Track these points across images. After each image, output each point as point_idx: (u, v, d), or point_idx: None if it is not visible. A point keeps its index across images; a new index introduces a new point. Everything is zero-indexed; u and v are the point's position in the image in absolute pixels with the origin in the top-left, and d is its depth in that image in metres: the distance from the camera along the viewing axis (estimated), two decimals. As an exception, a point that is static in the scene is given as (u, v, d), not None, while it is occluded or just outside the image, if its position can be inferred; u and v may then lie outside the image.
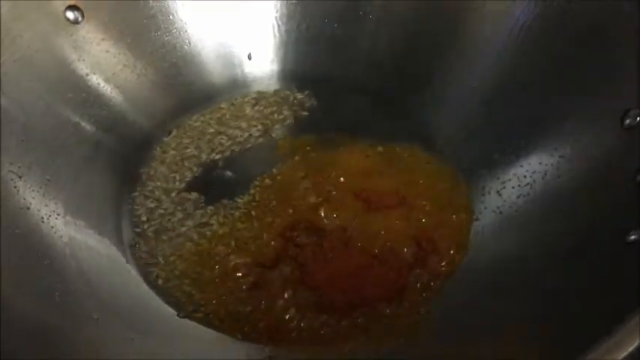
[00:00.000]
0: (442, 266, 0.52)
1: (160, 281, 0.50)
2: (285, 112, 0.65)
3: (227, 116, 0.64)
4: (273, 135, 0.63)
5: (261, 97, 0.66)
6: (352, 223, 0.54)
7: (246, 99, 0.66)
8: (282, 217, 0.54)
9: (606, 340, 0.31)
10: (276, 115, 0.65)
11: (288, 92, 0.67)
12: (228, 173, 0.59)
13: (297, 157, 0.60)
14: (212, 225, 0.54)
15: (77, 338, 0.40)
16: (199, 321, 0.48)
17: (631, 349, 0.30)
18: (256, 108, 0.65)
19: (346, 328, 0.48)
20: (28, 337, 0.37)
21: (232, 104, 0.65)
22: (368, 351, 0.47)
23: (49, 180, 0.49)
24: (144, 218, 0.55)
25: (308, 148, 0.61)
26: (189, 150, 0.61)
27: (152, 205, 0.56)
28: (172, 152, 0.60)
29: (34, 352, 0.36)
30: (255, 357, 0.47)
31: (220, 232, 0.54)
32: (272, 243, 0.52)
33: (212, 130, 0.63)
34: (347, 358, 0.47)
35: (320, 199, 0.55)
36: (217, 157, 0.60)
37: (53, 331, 0.39)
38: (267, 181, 0.58)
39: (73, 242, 0.48)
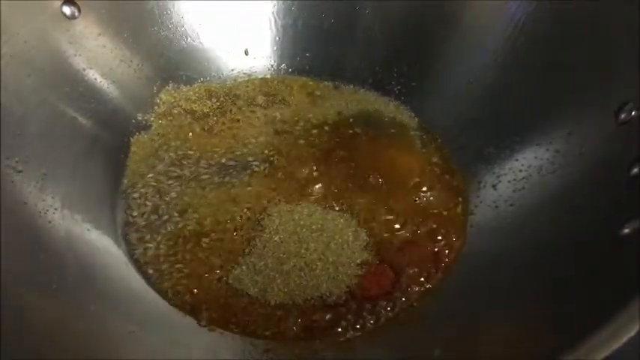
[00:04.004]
0: (437, 260, 0.52)
1: (154, 275, 0.50)
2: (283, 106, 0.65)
3: (223, 112, 0.64)
4: (271, 131, 0.63)
5: (258, 91, 0.66)
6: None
7: (244, 94, 0.66)
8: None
9: (604, 328, 0.32)
10: (274, 109, 0.65)
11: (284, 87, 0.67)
12: (223, 165, 0.59)
13: (302, 142, 0.61)
14: (208, 218, 0.54)
15: (77, 330, 0.40)
16: (192, 314, 0.48)
17: (629, 336, 0.31)
18: (254, 103, 0.65)
19: (341, 320, 0.48)
20: (28, 329, 0.37)
21: (230, 100, 0.65)
22: (364, 344, 0.47)
23: (45, 174, 0.49)
24: (139, 212, 0.54)
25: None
26: (184, 145, 0.61)
27: (147, 199, 0.56)
28: (167, 147, 0.60)
29: (33, 344, 0.36)
30: (251, 351, 0.47)
31: (214, 226, 0.54)
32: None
33: (209, 126, 0.63)
34: (343, 352, 0.47)
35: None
36: (211, 151, 0.60)
37: (52, 324, 0.39)
38: (265, 171, 0.59)
39: (70, 236, 0.47)
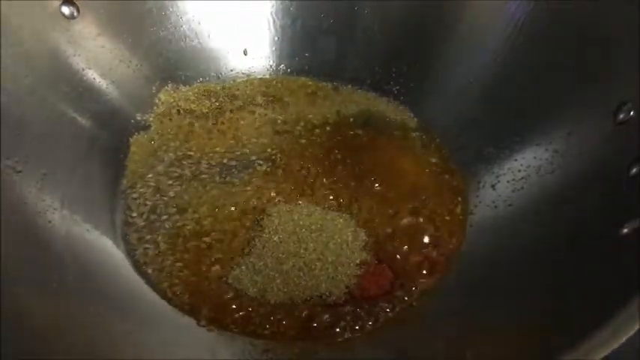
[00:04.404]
0: (437, 260, 0.52)
1: (154, 275, 0.50)
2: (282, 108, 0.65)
3: (222, 112, 0.64)
4: (271, 131, 0.63)
5: (257, 91, 0.67)
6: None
7: (243, 94, 0.66)
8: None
9: (604, 328, 0.32)
10: (274, 109, 0.65)
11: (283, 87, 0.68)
12: (225, 165, 0.59)
13: (303, 141, 0.62)
14: (207, 218, 0.54)
15: (77, 330, 0.40)
16: (191, 314, 0.48)
17: (629, 335, 0.31)
18: (253, 103, 0.65)
19: (340, 320, 0.48)
20: (28, 329, 0.36)
21: (229, 100, 0.65)
22: (363, 344, 0.47)
23: (45, 174, 0.49)
24: (138, 212, 0.54)
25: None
26: (183, 145, 0.60)
27: (146, 199, 0.55)
28: (167, 147, 0.60)
29: (33, 344, 0.36)
30: (251, 351, 0.47)
31: (214, 226, 0.54)
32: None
33: (208, 126, 0.63)
34: (342, 352, 0.47)
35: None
36: (211, 151, 0.60)
37: (52, 324, 0.39)
38: (267, 169, 0.59)
39: (69, 236, 0.47)
